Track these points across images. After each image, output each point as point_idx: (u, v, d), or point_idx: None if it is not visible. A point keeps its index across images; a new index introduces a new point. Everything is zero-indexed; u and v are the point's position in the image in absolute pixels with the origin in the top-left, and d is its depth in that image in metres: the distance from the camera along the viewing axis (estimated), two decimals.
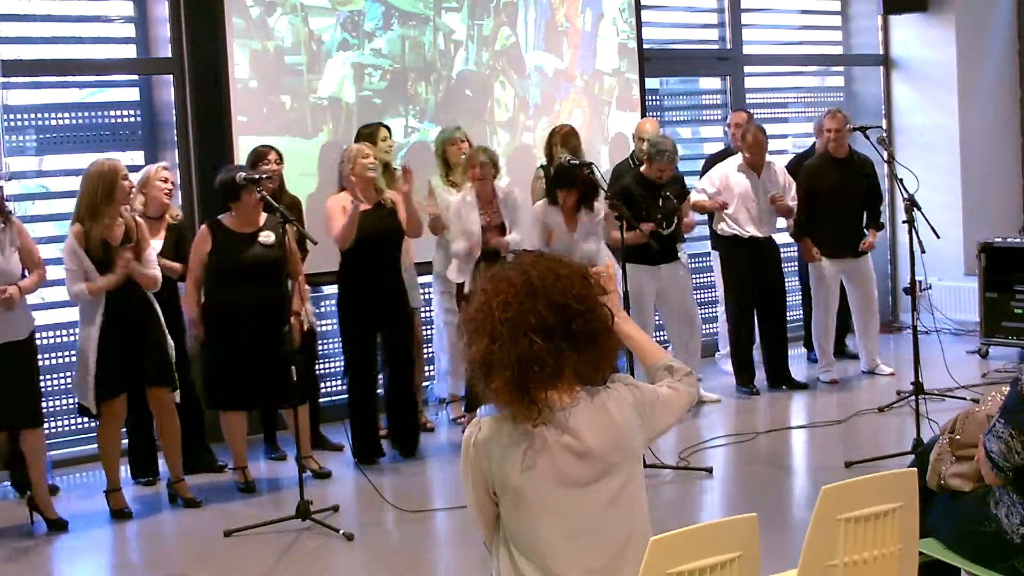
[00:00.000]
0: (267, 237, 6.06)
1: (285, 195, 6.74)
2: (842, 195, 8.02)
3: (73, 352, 6.96)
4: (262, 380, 6.07)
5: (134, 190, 6.08)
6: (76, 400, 5.93)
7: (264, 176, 6.03)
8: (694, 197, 7.93)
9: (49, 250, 6.89)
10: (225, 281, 6.12)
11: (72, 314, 6.98)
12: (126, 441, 6.48)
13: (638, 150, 7.81)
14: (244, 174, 6.03)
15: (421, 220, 6.85)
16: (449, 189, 7.13)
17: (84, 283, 5.71)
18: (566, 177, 6.93)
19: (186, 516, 5.99)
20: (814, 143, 8.74)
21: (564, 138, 7.46)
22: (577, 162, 6.84)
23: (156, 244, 6.17)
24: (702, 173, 8.40)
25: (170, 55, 7.29)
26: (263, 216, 6.16)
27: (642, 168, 7.49)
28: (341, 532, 5.49)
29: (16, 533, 5.84)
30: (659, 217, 7.38)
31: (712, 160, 8.50)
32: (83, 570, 5.56)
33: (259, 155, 6.62)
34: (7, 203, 5.70)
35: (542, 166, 7.54)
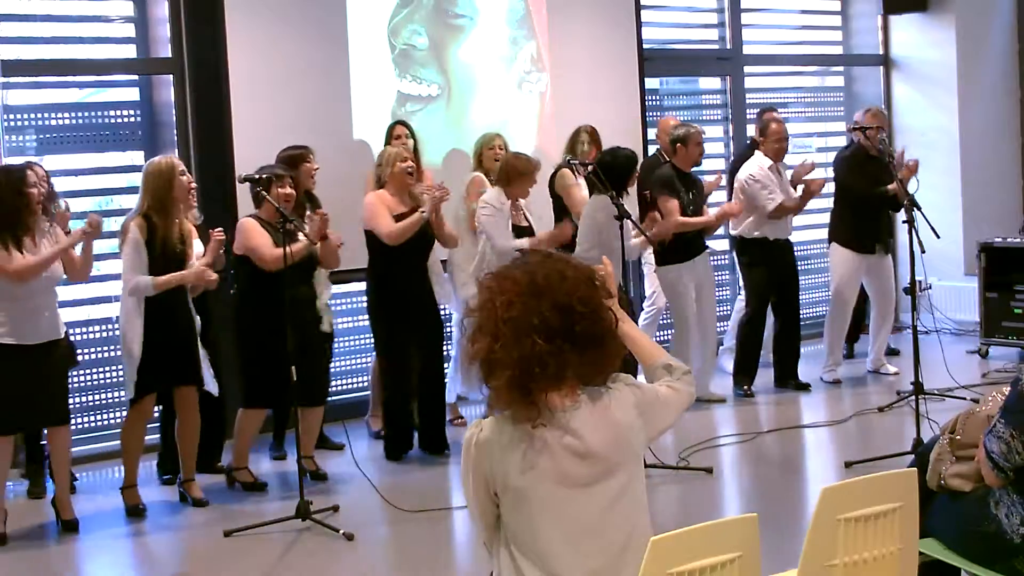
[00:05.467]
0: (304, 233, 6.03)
1: (314, 198, 6.74)
2: (867, 191, 8.00)
3: (86, 351, 7.00)
4: (293, 378, 6.03)
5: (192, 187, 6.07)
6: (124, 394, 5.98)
7: (263, 176, 6.01)
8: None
9: None
10: (268, 276, 6.04)
11: (74, 314, 7.00)
12: (157, 436, 6.62)
13: (664, 146, 7.90)
14: (244, 174, 6.04)
15: (455, 234, 6.93)
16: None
17: (149, 277, 5.71)
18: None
19: (187, 516, 5.99)
20: (850, 141, 8.72)
21: (589, 135, 7.54)
22: (577, 162, 6.93)
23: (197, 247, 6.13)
24: (730, 173, 8.41)
25: (170, 55, 7.30)
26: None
27: (675, 161, 7.59)
28: (341, 532, 5.49)
29: (26, 532, 5.85)
30: (691, 210, 7.49)
31: (739, 160, 8.48)
32: (84, 569, 5.57)
33: (298, 158, 6.59)
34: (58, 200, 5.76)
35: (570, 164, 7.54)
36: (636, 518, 2.78)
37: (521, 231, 7.01)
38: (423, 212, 6.49)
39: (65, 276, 5.79)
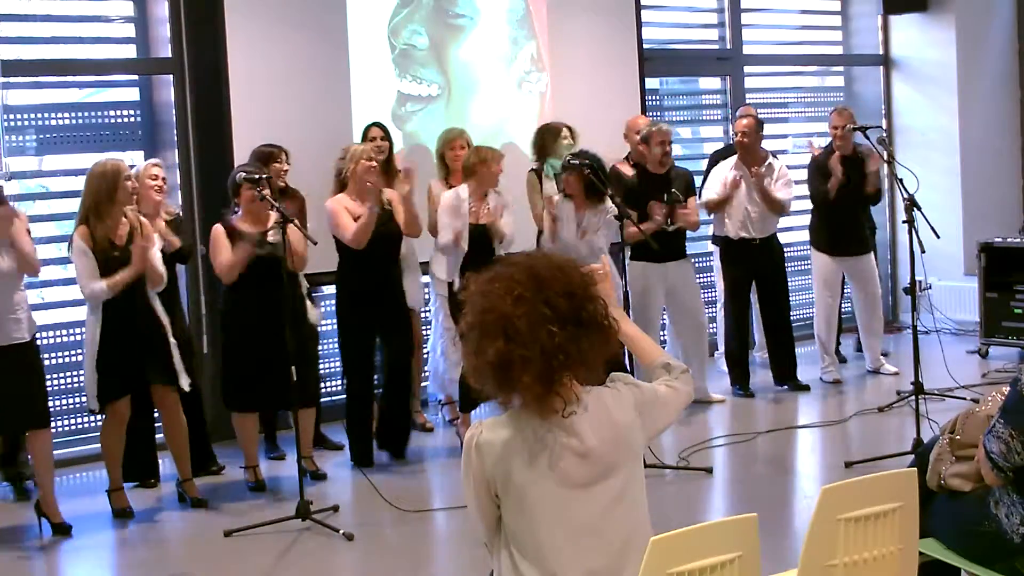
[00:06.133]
0: (275, 236, 5.99)
1: (290, 192, 6.77)
2: (845, 192, 8.00)
3: (71, 352, 7.00)
4: (274, 381, 6.03)
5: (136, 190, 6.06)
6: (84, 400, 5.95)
7: (264, 176, 6.01)
8: (706, 196, 7.90)
9: (49, 250, 6.91)
10: (241, 280, 6.10)
11: (69, 315, 7.01)
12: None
13: (633, 147, 7.76)
14: (244, 174, 6.03)
15: (420, 219, 6.84)
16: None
17: (101, 280, 5.68)
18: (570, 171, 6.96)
19: (186, 516, 5.99)
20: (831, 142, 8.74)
21: (554, 134, 7.41)
22: (577, 162, 6.84)
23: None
24: (706, 170, 8.40)
25: (170, 55, 7.30)
26: (272, 215, 6.06)
27: (646, 163, 7.50)
28: (341, 532, 5.49)
29: (18, 535, 5.84)
30: (664, 211, 7.39)
31: (716, 157, 8.50)
32: (83, 571, 5.56)
33: (269, 156, 6.62)
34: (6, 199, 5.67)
35: (534, 171, 7.47)
36: (636, 518, 2.78)
37: (478, 228, 6.78)
38: (371, 207, 6.40)
39: (26, 274, 5.68)
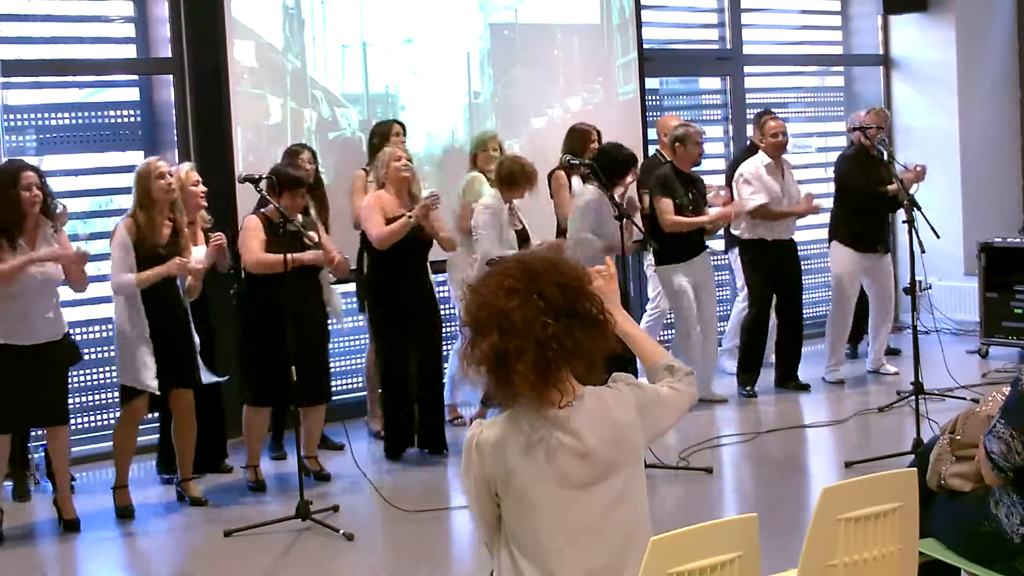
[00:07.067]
0: (313, 235, 6.01)
1: (319, 190, 6.78)
2: (870, 190, 7.99)
3: (85, 351, 6.98)
4: (297, 377, 6.01)
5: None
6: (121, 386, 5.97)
7: (263, 176, 5.99)
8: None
9: None
10: (269, 273, 6.06)
11: (72, 314, 6.98)
12: (155, 437, 6.61)
13: (664, 145, 7.85)
14: (243, 173, 6.03)
15: (453, 238, 6.87)
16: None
17: (132, 274, 5.72)
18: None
19: (187, 516, 5.99)
20: (850, 142, 8.74)
21: (581, 135, 7.46)
22: (576, 162, 6.91)
23: (197, 251, 6.09)
24: (728, 173, 8.39)
25: (170, 55, 7.30)
26: (299, 216, 6.11)
27: (675, 161, 7.56)
28: (341, 532, 5.49)
29: (22, 531, 5.85)
30: (690, 209, 7.49)
31: (739, 160, 8.45)
32: (83, 569, 5.57)
33: (291, 153, 6.64)
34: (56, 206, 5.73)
35: (563, 169, 7.47)
36: (636, 518, 2.78)
37: (516, 235, 6.89)
38: (410, 217, 6.43)
39: (64, 280, 5.79)
